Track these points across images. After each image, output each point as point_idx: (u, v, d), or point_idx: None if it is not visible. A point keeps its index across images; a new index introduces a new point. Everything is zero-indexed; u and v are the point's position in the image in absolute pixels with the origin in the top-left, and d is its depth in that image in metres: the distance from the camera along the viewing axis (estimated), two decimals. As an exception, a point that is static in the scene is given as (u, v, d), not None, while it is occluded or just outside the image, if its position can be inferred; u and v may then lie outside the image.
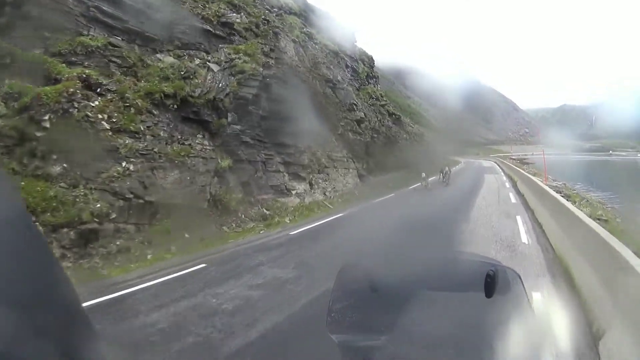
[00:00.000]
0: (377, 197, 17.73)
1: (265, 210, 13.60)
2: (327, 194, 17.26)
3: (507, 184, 23.25)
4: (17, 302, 0.63)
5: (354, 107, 22.61)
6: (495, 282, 1.51)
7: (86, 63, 10.83)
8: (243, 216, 13.16)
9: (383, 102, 34.69)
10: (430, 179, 22.70)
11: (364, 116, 23.43)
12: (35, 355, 0.63)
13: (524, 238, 9.66)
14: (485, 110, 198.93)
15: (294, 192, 15.42)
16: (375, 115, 29.28)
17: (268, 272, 7.33)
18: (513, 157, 72.62)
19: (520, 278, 1.68)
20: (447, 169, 24.86)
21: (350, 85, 26.24)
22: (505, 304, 1.61)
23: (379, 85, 40.30)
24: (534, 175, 24.96)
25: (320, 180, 17.43)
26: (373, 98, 31.39)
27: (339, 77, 22.88)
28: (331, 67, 22.97)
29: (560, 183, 25.13)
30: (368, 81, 36.40)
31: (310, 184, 16.40)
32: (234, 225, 12.70)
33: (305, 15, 24.43)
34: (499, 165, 48.89)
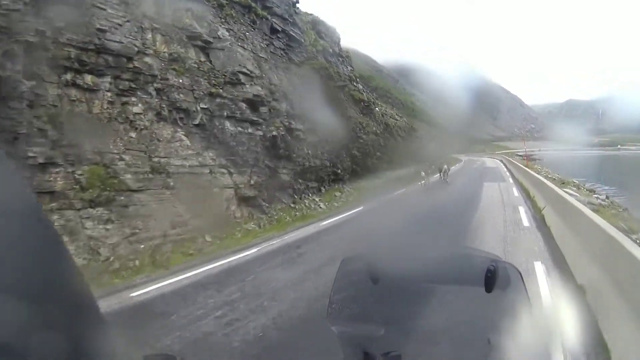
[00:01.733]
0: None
1: None
2: (96, 252, 7.48)
3: (524, 216, 10.79)
4: (27, 294, 0.59)
5: (239, 77, 12.63)
6: (496, 277, 1.44)
7: None
8: None
9: (341, 84, 24.68)
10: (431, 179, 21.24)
11: (264, 95, 13.46)
12: (45, 347, 0.58)
13: None
14: (491, 107, 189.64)
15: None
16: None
17: None
18: (519, 154, 62.58)
19: (520, 274, 1.50)
20: (445, 167, 23.58)
21: (265, 52, 16.42)
22: (504, 299, 1.51)
23: (349, 67, 30.16)
24: (563, 185, 14.68)
25: (90, 222, 7.71)
26: (321, 75, 21.66)
27: (220, 33, 13.00)
28: (206, 16, 13.13)
29: (603, 198, 14.90)
30: (327, 59, 26.83)
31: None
32: None
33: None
34: (506, 167, 36.25)
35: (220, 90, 11.76)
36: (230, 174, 11.25)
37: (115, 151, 9.02)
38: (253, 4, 17.70)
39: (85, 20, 9.19)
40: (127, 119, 9.65)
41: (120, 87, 9.64)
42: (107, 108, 9.37)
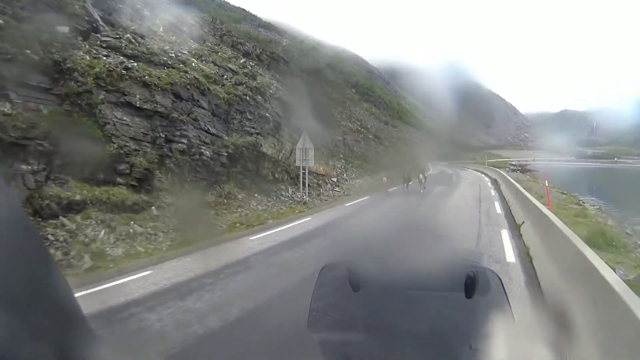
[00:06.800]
0: None
1: None
2: None
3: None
4: (13, 304, 0.57)
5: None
6: (476, 283, 1.42)
7: None
8: None
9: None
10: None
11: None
12: (31, 358, 0.58)
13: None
14: (485, 114, 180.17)
15: None
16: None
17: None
18: (513, 163, 55.22)
19: (500, 280, 1.51)
20: (421, 175, 19.40)
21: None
22: (484, 305, 1.51)
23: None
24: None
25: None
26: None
27: None
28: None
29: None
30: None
31: None
32: None
33: None
34: (506, 204, 14.28)
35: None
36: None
37: None
38: None
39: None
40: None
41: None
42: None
